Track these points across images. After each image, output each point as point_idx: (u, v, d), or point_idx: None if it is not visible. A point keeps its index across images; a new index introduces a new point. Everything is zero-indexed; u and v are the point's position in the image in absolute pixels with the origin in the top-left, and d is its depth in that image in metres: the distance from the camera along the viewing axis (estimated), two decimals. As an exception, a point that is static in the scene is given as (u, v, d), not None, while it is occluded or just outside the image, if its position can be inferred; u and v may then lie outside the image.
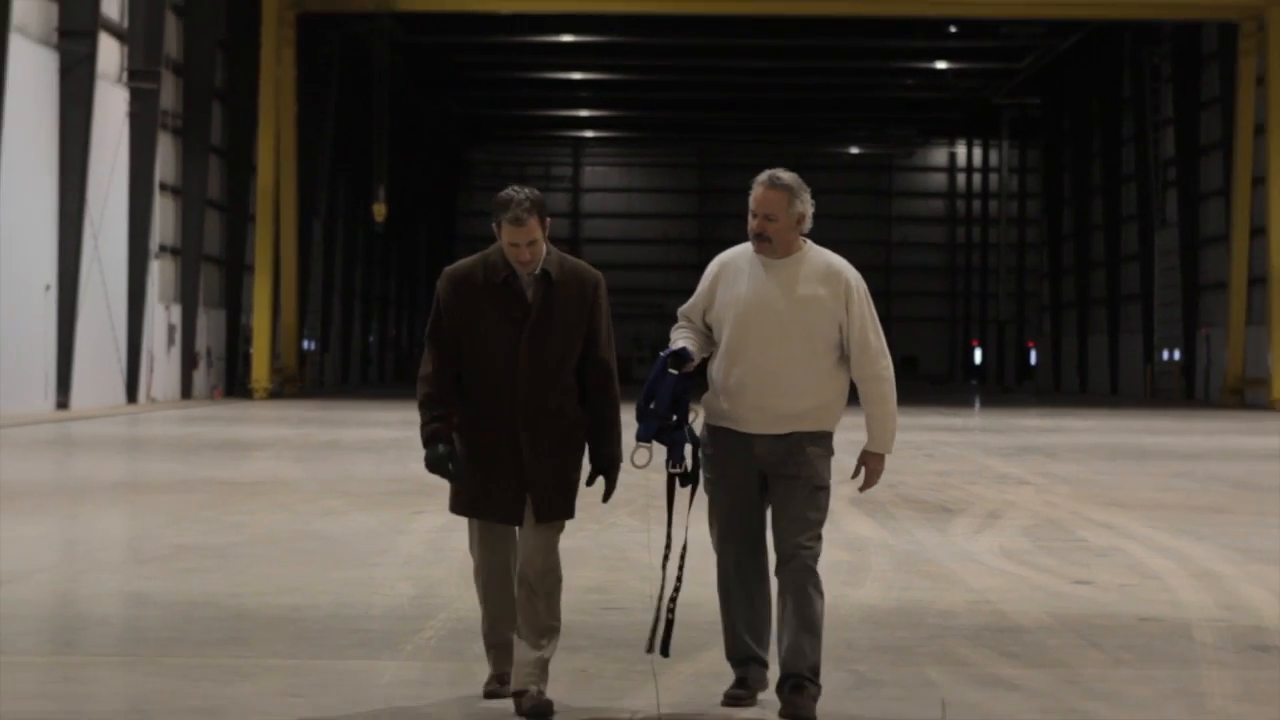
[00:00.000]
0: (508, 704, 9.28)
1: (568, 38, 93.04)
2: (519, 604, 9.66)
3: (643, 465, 9.57)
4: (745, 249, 9.89)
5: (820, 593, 9.65)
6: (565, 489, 9.62)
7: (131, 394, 59.99)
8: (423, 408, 9.67)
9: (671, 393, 9.52)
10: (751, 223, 9.66)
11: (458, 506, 9.80)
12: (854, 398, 9.89)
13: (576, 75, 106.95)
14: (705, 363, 9.92)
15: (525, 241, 9.47)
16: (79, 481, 29.70)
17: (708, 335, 9.87)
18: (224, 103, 69.63)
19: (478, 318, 9.59)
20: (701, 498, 9.81)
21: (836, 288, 9.65)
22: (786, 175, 9.73)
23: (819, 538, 9.73)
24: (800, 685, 9.40)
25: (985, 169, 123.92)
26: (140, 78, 59.91)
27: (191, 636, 13.37)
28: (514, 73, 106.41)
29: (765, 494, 9.77)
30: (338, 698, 10.68)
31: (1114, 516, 23.24)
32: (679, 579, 9.89)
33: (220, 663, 12.25)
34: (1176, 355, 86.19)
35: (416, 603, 14.30)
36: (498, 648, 9.92)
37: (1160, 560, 18.50)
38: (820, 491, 9.70)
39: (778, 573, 9.76)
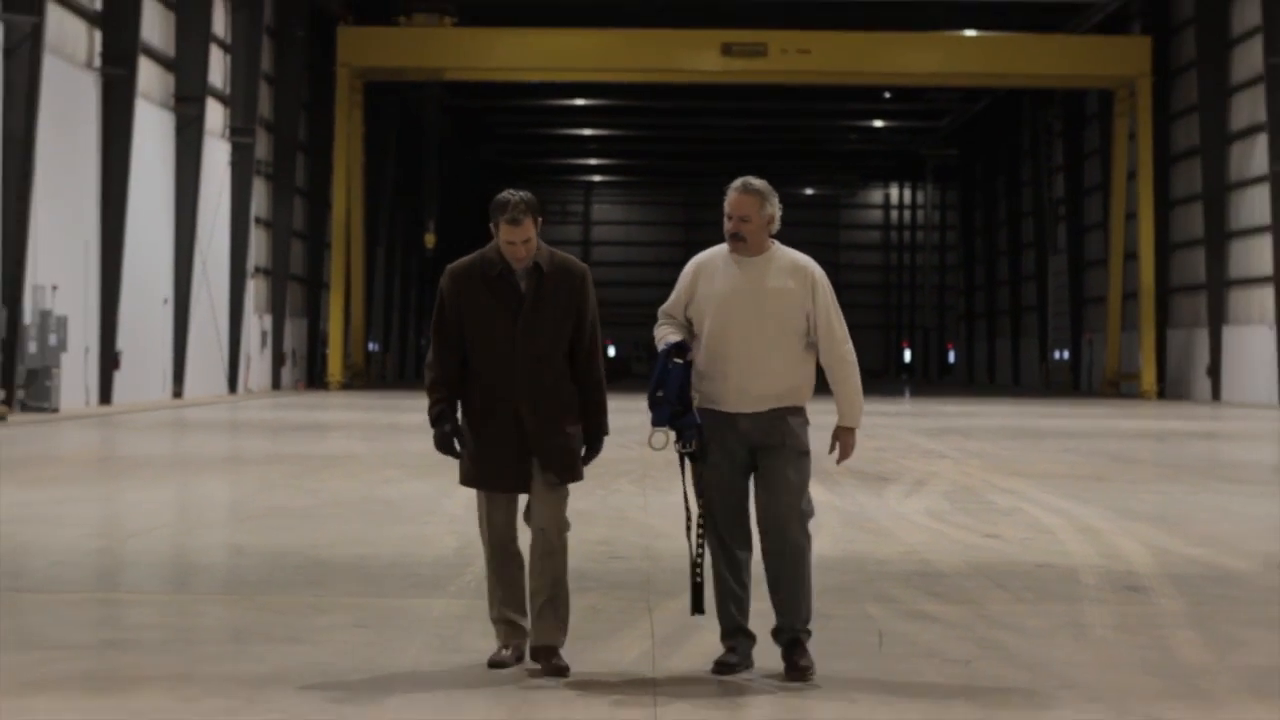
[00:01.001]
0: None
1: (580, 101, 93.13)
2: (533, 564, 9.19)
3: (661, 448, 9.17)
4: (719, 250, 9.51)
5: (809, 543, 9.29)
6: (570, 456, 9.18)
7: (232, 386, 59.97)
8: (430, 392, 9.29)
9: (679, 382, 9.10)
10: (727, 224, 9.28)
11: (467, 479, 9.29)
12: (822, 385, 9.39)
13: (587, 131, 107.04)
14: None
15: (520, 240, 9.11)
16: (190, 456, 29.66)
17: (688, 328, 9.41)
18: (305, 153, 69.54)
19: (477, 308, 9.18)
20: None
21: (804, 281, 9.25)
22: (758, 182, 9.36)
23: (807, 498, 9.29)
24: (796, 639, 8.98)
25: (913, 206, 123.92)
26: (239, 134, 59.95)
27: (279, 580, 13.38)
28: (537, 129, 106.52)
29: (749, 471, 9.29)
30: (396, 628, 10.72)
31: (1016, 484, 23.20)
32: (701, 545, 9.34)
33: (302, 600, 12.25)
34: (1065, 355, 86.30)
35: (459, 553, 14.26)
36: (505, 623, 9.27)
37: (1053, 518, 18.47)
38: (804, 456, 9.27)
39: (769, 535, 9.25)
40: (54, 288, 44.27)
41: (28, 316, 41.93)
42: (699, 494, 9.30)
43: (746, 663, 9.22)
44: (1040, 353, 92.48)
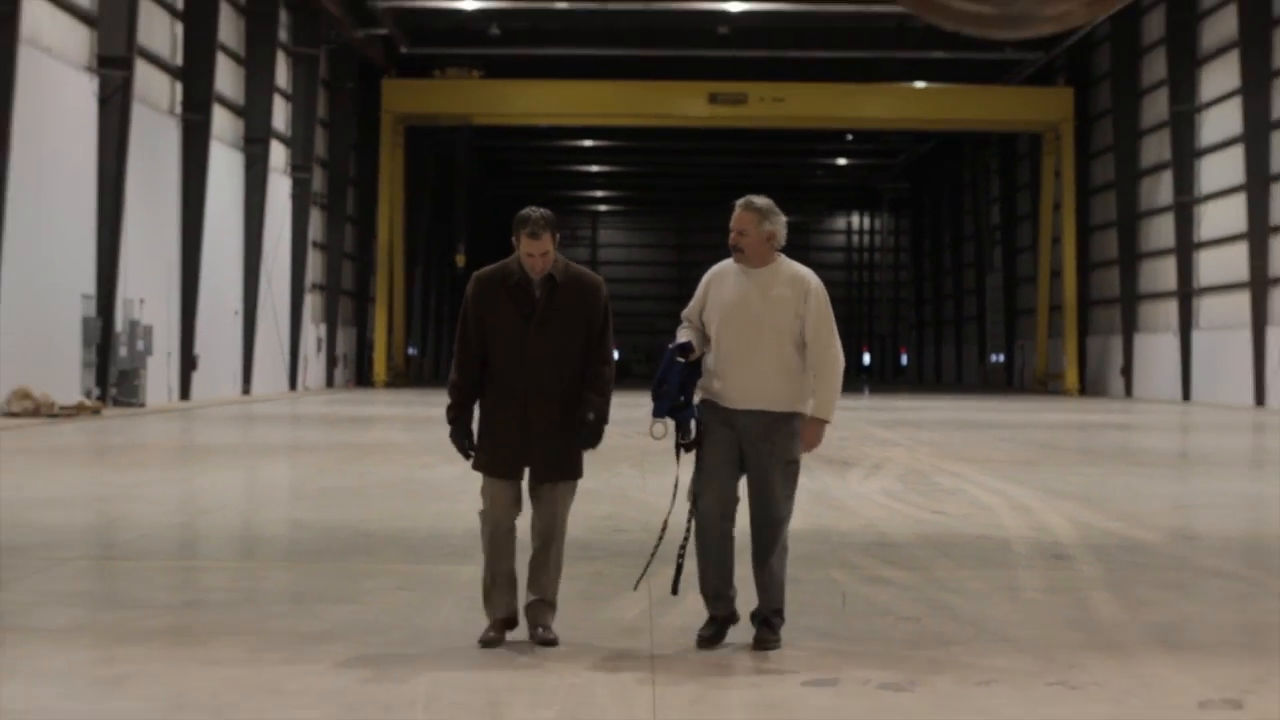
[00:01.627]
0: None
1: (588, 143, 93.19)
2: (533, 557, 8.79)
3: (660, 437, 8.86)
4: (732, 262, 9.10)
5: (786, 548, 8.92)
6: (568, 456, 8.75)
7: (292, 384, 59.91)
8: (450, 392, 8.94)
9: (680, 378, 8.78)
10: (730, 237, 8.95)
11: (477, 464, 8.86)
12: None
13: (594, 168, 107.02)
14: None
15: (539, 252, 8.72)
16: (256, 444, 29.64)
17: (703, 332, 9.01)
18: (354, 186, 69.52)
19: (496, 312, 8.74)
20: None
21: (799, 289, 8.88)
22: (760, 200, 9.04)
23: (790, 507, 8.89)
24: (767, 620, 8.72)
25: (872, 232, 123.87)
26: (298, 170, 59.93)
27: (332, 549, 13.34)
28: (551, 166, 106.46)
29: (742, 461, 8.87)
30: (432, 590, 10.71)
31: (959, 467, 23.18)
32: (687, 532, 8.99)
33: (353, 567, 12.24)
34: (1001, 358, 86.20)
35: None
36: (494, 600, 8.79)
37: (990, 497, 18.45)
38: (790, 465, 8.85)
39: (754, 532, 8.90)
40: (141, 301, 44.33)
41: (119, 325, 42.03)
42: (691, 483, 8.94)
43: (727, 627, 8.92)
44: (979, 356, 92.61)
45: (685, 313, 9.14)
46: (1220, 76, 55.93)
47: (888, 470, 22.34)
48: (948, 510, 16.97)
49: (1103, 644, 9.21)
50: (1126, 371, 65.33)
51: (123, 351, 42.46)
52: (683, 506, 9.09)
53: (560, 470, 8.77)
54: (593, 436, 8.87)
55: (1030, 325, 77.80)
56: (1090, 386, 69.30)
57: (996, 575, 12.08)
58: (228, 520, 16.44)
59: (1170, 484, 21.36)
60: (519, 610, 8.90)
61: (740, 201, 8.99)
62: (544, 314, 8.66)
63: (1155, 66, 61.93)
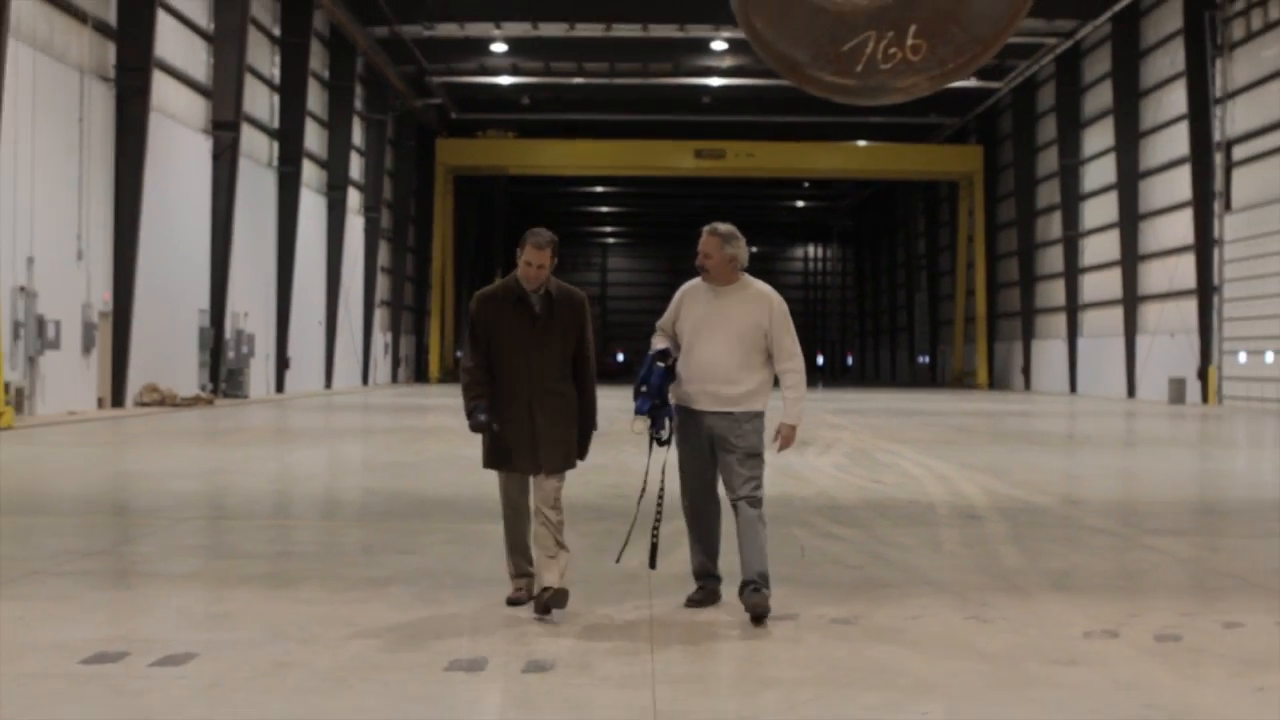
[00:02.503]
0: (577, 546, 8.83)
1: (599, 189, 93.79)
2: (536, 532, 8.08)
3: (640, 432, 8.38)
4: (701, 280, 8.45)
5: (763, 523, 8.09)
6: (567, 448, 8.14)
7: (364, 380, 59.90)
8: (465, 390, 8.20)
9: (659, 380, 8.15)
10: (697, 259, 8.33)
11: (490, 462, 8.30)
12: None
13: (604, 209, 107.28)
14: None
15: (538, 263, 8.11)
16: (336, 427, 29.62)
17: (675, 340, 8.39)
18: (414, 224, 69.48)
19: (501, 325, 8.12)
20: (674, 451, 8.36)
21: (763, 306, 8.19)
22: (723, 227, 8.40)
23: (759, 486, 8.10)
24: (756, 587, 7.86)
25: (824, 259, 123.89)
26: (370, 211, 59.95)
27: (397, 512, 13.32)
28: (570, 206, 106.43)
29: (715, 455, 8.22)
30: (475, 544, 10.68)
31: (894, 446, 23.16)
32: (659, 512, 8.41)
33: (411, 525, 12.22)
34: (926, 359, 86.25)
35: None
36: (516, 568, 8.32)
37: (918, 469, 18.43)
38: (755, 457, 8.13)
39: (735, 513, 8.14)
40: (246, 314, 44.43)
41: (228, 333, 42.15)
42: (681, 473, 8.38)
43: (712, 599, 8.35)
44: (909, 358, 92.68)
45: (660, 323, 8.54)
46: (1098, 137, 56.09)
47: (837, 449, 22.32)
48: (885, 480, 16.96)
49: (1007, 586, 9.19)
50: (1026, 370, 65.43)
51: (231, 354, 42.62)
52: (659, 488, 8.48)
53: (564, 460, 8.17)
54: (583, 450, 8.38)
55: (949, 333, 77.85)
56: (997, 382, 69.30)
57: (923, 532, 12.06)
58: (313, 488, 16.44)
59: (1060, 459, 21.35)
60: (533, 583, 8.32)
61: (706, 228, 8.43)
62: (544, 324, 8.14)
63: (1047, 129, 62.08)
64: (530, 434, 8.09)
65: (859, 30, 6.83)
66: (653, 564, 8.53)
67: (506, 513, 8.38)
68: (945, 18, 6.74)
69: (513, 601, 8.25)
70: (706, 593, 8.36)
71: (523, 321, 8.15)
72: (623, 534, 9.40)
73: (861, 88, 6.99)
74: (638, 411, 8.18)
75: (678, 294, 8.49)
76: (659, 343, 8.39)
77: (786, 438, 8.29)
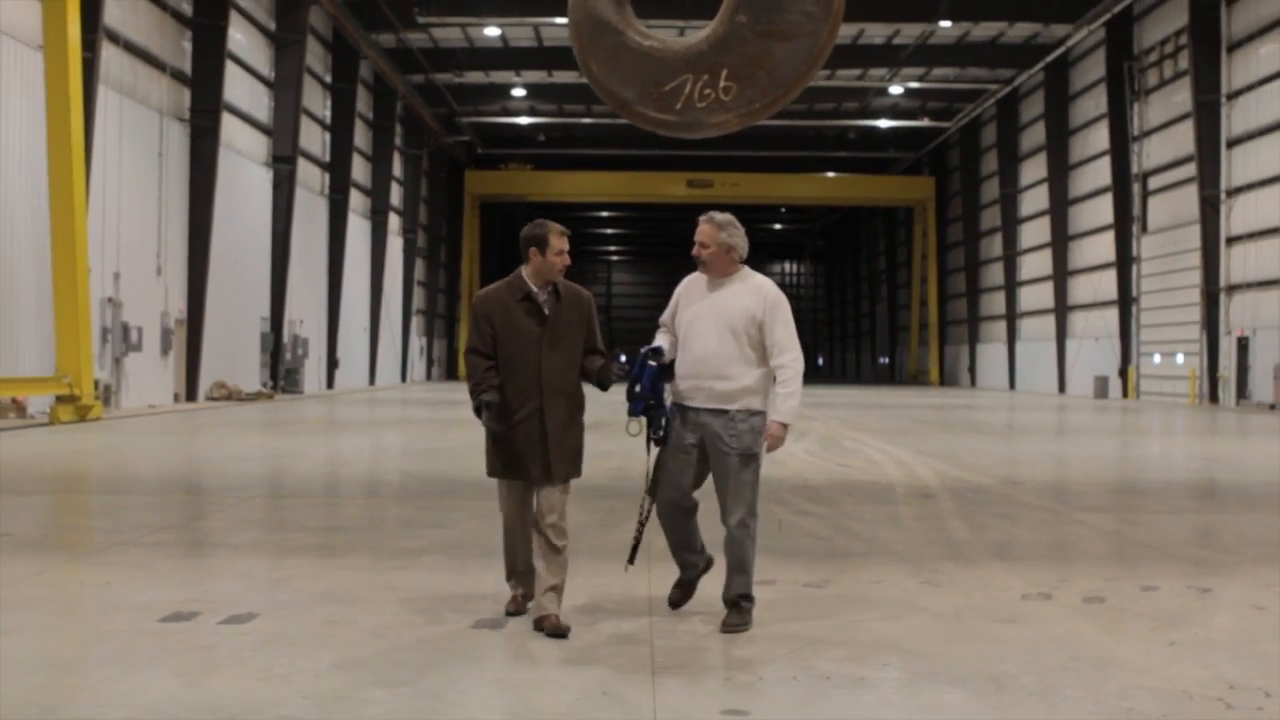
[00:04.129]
0: (589, 538, 8.75)
1: (605, 213, 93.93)
2: (538, 544, 6.75)
3: (635, 434, 7.09)
4: (701, 274, 7.15)
5: (753, 539, 6.85)
6: (576, 454, 6.87)
7: (403, 378, 59.87)
8: (472, 375, 6.85)
9: (652, 379, 6.87)
10: (694, 249, 7.01)
11: (495, 469, 6.94)
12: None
13: (609, 230, 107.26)
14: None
15: (568, 249, 7.00)
16: (379, 418, 29.60)
17: (675, 335, 7.09)
18: (445, 243, 69.43)
19: (509, 324, 6.79)
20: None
21: (759, 300, 6.85)
22: (720, 215, 7.08)
23: (753, 503, 6.88)
24: (735, 604, 6.71)
25: (799, 274, 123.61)
26: (408, 233, 59.94)
27: (431, 491, 13.31)
28: (580, 229, 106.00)
29: (703, 455, 6.90)
30: (498, 520, 10.61)
31: (858, 434, 23.14)
32: (644, 511, 7.09)
33: (444, 503, 12.20)
34: (886, 360, 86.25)
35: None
36: (517, 578, 7.02)
37: (879, 455, 18.41)
38: (750, 460, 6.86)
39: (724, 519, 6.88)
40: (301, 321, 44.41)
41: (286, 338, 42.15)
42: (659, 471, 7.02)
43: (688, 597, 7.14)
44: (871, 359, 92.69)
45: (662, 318, 7.29)
46: (1033, 169, 56.14)
47: (809, 436, 22.30)
48: (850, 464, 16.93)
49: (956, 555, 9.17)
50: (972, 369, 65.44)
51: (288, 355, 42.62)
52: (647, 485, 7.29)
53: (572, 467, 6.86)
54: (611, 375, 6.98)
55: (906, 337, 77.96)
56: (947, 379, 69.28)
57: (884, 509, 12.04)
58: (358, 470, 16.41)
59: (1001, 446, 21.33)
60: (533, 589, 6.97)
61: (703, 216, 7.14)
62: (555, 323, 6.86)
63: (990, 162, 62.08)
64: (541, 438, 6.77)
65: (678, 73, 6.89)
66: (631, 560, 7.21)
67: (507, 531, 7.08)
68: (752, 64, 6.79)
69: (509, 612, 6.95)
70: (686, 584, 7.17)
71: (531, 321, 6.87)
72: (625, 511, 9.34)
73: (681, 123, 7.05)
74: (631, 413, 6.94)
75: (679, 287, 7.28)
76: (659, 338, 7.21)
77: (774, 436, 6.88)
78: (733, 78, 6.76)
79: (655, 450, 7.06)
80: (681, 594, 7.16)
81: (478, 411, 6.84)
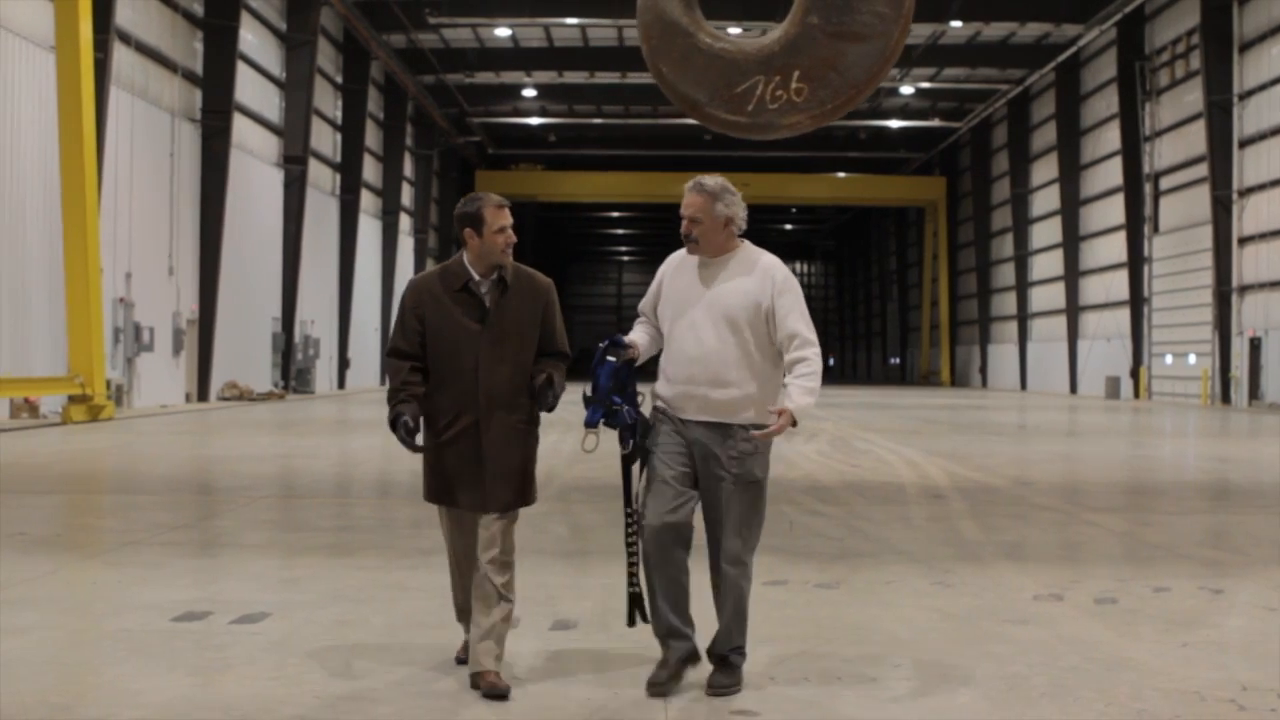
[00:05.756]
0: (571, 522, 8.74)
1: (615, 214, 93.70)
2: (475, 582, 5.53)
3: (591, 450, 5.43)
4: (690, 254, 5.67)
5: (749, 580, 5.50)
6: (521, 480, 5.53)
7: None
8: (392, 393, 5.54)
9: (612, 378, 5.45)
10: (682, 226, 5.59)
11: (431, 494, 5.68)
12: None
13: (619, 231, 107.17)
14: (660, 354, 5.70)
15: (509, 224, 5.63)
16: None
17: (659, 328, 5.67)
18: (456, 244, 68.06)
19: (441, 322, 5.48)
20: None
21: (764, 282, 5.43)
22: (710, 180, 5.69)
23: (757, 540, 5.50)
24: (725, 659, 5.41)
25: (809, 274, 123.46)
26: (419, 233, 59.86)
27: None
28: (590, 229, 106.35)
29: (694, 481, 5.43)
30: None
31: (869, 435, 23.12)
32: (632, 555, 5.54)
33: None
34: (897, 360, 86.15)
35: (547, 474, 14.09)
36: (468, 620, 5.74)
37: (890, 455, 18.39)
38: (751, 487, 5.39)
39: (711, 566, 5.48)
40: (312, 321, 44.47)
41: (297, 338, 42.20)
42: (647, 495, 5.48)
43: (682, 667, 5.46)
44: (882, 359, 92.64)
45: (641, 305, 5.83)
46: (1044, 170, 56.05)
47: (820, 437, 22.28)
48: (861, 464, 16.92)
49: (967, 556, 9.16)
50: (983, 370, 65.37)
51: (299, 355, 42.66)
52: (629, 523, 5.66)
53: (514, 494, 5.53)
54: (552, 397, 5.50)
55: (917, 338, 77.89)
56: (958, 380, 69.19)
57: (895, 509, 12.03)
58: (369, 470, 16.43)
59: (1012, 446, 21.30)
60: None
61: (689, 184, 5.69)
62: (498, 318, 5.50)
63: (1001, 163, 62.03)
64: (475, 460, 5.50)
65: (750, 75, 6.87)
66: (631, 621, 5.65)
67: (452, 565, 5.86)
68: (824, 65, 6.77)
69: (459, 660, 5.84)
70: (675, 665, 5.46)
71: (468, 316, 5.52)
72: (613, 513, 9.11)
73: (752, 124, 7.02)
74: (587, 423, 5.48)
75: (660, 269, 5.80)
76: (635, 332, 5.74)
77: (781, 425, 5.28)
78: (804, 79, 6.75)
79: (638, 471, 5.58)
80: (669, 675, 5.46)
81: (393, 425, 5.51)
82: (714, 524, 5.47)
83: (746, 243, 5.69)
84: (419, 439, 5.58)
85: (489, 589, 5.46)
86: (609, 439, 5.50)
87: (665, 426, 5.51)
